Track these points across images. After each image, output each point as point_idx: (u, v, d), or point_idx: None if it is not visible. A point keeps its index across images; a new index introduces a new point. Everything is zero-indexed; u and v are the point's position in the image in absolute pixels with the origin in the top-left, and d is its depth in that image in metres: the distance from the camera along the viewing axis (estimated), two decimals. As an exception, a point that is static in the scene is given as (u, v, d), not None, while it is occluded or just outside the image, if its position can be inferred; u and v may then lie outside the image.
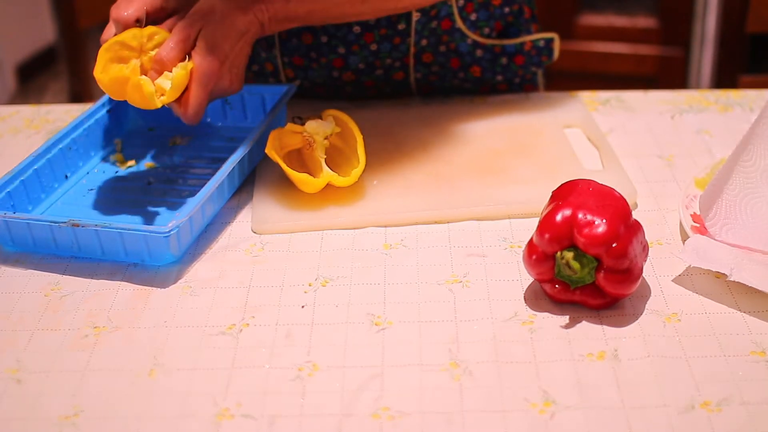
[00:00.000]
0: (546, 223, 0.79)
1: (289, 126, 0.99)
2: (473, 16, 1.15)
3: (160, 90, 0.94)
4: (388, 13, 1.08)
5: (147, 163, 1.07)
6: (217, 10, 0.98)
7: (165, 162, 1.08)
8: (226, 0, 0.98)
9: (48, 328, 0.81)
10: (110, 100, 1.10)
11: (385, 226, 0.94)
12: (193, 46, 0.96)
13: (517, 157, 1.04)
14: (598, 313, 0.80)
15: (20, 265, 0.90)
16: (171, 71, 0.95)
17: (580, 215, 0.78)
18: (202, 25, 0.97)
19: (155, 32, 0.98)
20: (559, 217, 0.78)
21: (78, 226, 0.87)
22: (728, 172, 0.88)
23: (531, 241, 0.80)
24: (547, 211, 0.80)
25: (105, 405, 0.73)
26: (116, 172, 1.06)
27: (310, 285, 0.86)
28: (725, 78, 2.18)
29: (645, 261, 0.80)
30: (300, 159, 1.00)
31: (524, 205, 0.95)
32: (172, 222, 0.86)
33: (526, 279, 0.85)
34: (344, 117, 1.00)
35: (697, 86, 2.32)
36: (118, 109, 1.11)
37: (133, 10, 0.97)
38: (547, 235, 0.78)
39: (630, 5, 2.43)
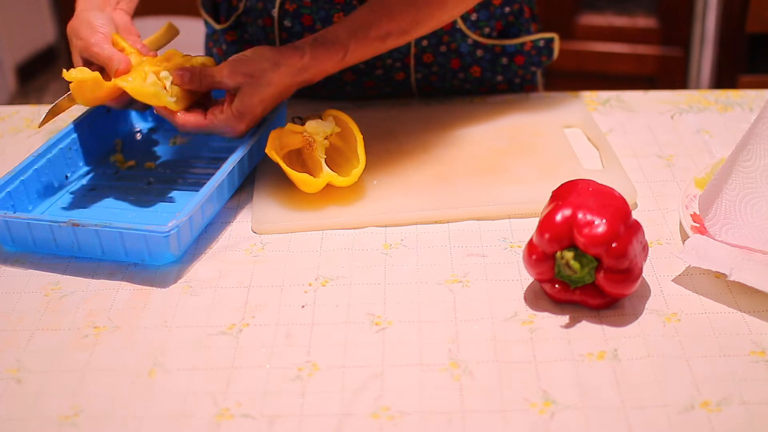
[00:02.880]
0: (546, 223, 0.79)
1: (289, 126, 0.99)
2: (474, 16, 1.15)
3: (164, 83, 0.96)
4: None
5: (147, 163, 1.07)
6: (266, 77, 0.96)
7: (165, 162, 1.08)
8: (280, 65, 0.97)
9: (48, 328, 0.81)
10: None
11: (385, 226, 0.94)
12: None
13: (517, 157, 1.04)
14: (598, 313, 0.80)
15: (20, 264, 0.90)
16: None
17: (580, 215, 0.78)
18: (244, 83, 0.96)
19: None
20: (559, 217, 0.78)
21: (78, 226, 0.87)
22: (728, 172, 0.88)
23: (531, 241, 0.80)
24: (547, 211, 0.80)
25: (105, 405, 0.73)
26: (116, 172, 1.06)
27: (310, 285, 0.86)
28: (725, 78, 2.18)
29: (645, 261, 0.80)
30: (300, 159, 1.00)
31: (524, 205, 0.95)
32: (172, 222, 0.86)
33: (526, 279, 0.85)
34: (344, 117, 1.00)
35: (697, 86, 2.32)
36: (118, 110, 1.11)
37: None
38: (547, 235, 0.78)
39: (630, 5, 2.43)
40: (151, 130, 1.14)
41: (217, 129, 0.97)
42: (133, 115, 1.14)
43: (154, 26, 1.04)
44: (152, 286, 0.86)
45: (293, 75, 0.98)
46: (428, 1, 1.02)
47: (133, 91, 0.93)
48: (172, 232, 0.85)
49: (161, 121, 1.15)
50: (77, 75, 0.93)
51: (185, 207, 0.88)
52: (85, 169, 1.06)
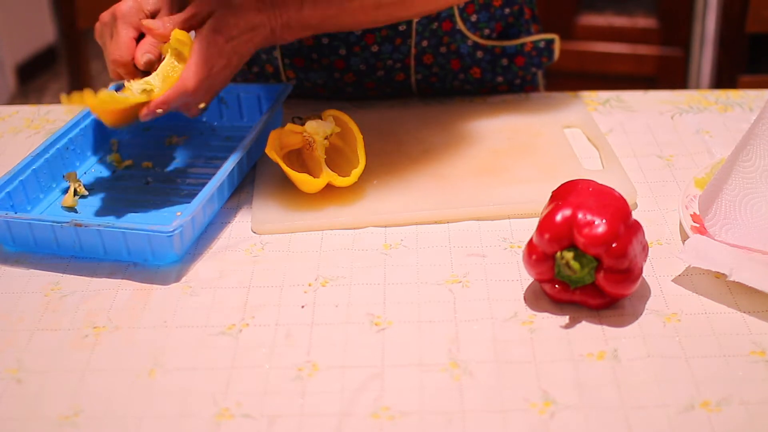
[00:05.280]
0: (546, 223, 0.79)
1: (289, 126, 0.99)
2: (474, 18, 1.15)
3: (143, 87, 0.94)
4: (400, 20, 1.08)
5: (144, 163, 1.07)
6: (235, 1, 0.96)
7: (162, 161, 1.08)
8: None
9: (48, 328, 0.81)
10: None
11: (385, 226, 0.94)
12: (201, 26, 0.95)
13: (517, 157, 1.04)
14: (598, 313, 0.80)
15: (20, 264, 0.90)
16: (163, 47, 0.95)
17: (580, 215, 0.78)
18: (215, 8, 0.96)
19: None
20: (559, 217, 0.78)
21: (81, 226, 0.87)
22: (727, 172, 0.88)
23: (531, 241, 0.80)
24: (547, 211, 0.80)
25: (105, 405, 0.73)
26: (114, 171, 1.06)
27: (310, 285, 0.86)
28: (725, 78, 2.18)
29: (645, 261, 0.80)
30: (300, 159, 1.00)
31: (524, 205, 0.95)
32: (176, 221, 0.86)
33: (526, 279, 0.85)
34: (344, 117, 1.00)
35: (697, 86, 2.32)
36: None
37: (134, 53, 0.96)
38: (547, 235, 0.78)
39: (630, 5, 2.43)
40: (146, 129, 1.14)
41: (204, 53, 0.93)
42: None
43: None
44: (152, 285, 0.86)
45: (258, 3, 0.97)
46: None
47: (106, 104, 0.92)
48: (175, 231, 0.86)
49: (156, 121, 1.14)
50: (76, 100, 0.93)
51: (188, 206, 0.88)
52: (83, 169, 1.06)
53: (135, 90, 0.93)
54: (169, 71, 0.95)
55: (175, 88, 0.92)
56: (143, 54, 0.96)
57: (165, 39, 0.94)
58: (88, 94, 0.91)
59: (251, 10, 0.97)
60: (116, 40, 0.96)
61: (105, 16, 0.99)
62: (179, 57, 0.95)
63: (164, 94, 0.92)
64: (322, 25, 1.02)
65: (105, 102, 0.91)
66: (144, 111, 0.92)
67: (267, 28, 0.98)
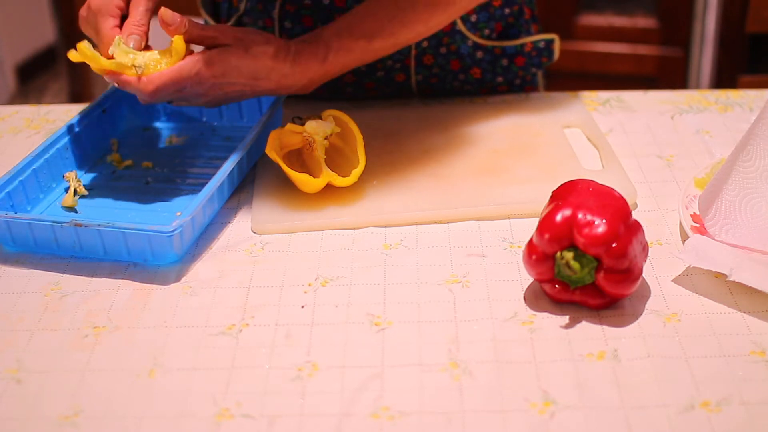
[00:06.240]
0: (546, 223, 0.79)
1: (289, 126, 0.99)
2: (473, 18, 1.15)
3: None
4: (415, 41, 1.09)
5: (144, 163, 1.07)
6: (254, 47, 0.96)
7: (162, 161, 1.08)
8: (270, 43, 0.97)
9: (48, 328, 0.81)
10: (105, 100, 1.10)
11: (385, 226, 0.94)
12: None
13: (517, 157, 1.04)
14: (598, 313, 0.80)
15: (20, 265, 0.90)
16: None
17: (580, 215, 0.78)
18: (231, 44, 0.95)
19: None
20: (558, 217, 0.78)
21: (81, 226, 0.87)
22: (727, 172, 0.88)
23: (531, 241, 0.80)
24: (547, 211, 0.80)
25: (105, 405, 0.73)
26: (113, 171, 1.06)
27: (309, 285, 0.86)
28: (725, 78, 2.18)
29: (645, 261, 0.80)
30: (300, 159, 1.00)
31: (524, 205, 0.95)
32: (176, 221, 0.86)
33: (526, 279, 0.85)
34: (344, 117, 1.00)
35: (697, 86, 2.32)
36: (113, 109, 1.11)
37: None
38: (546, 235, 0.78)
39: (630, 5, 2.43)
40: (146, 129, 1.14)
41: (182, 73, 0.93)
42: (129, 115, 1.14)
43: (153, 25, 1.03)
44: (152, 285, 0.86)
45: (276, 58, 0.97)
46: (413, 4, 1.02)
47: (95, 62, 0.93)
48: (175, 231, 0.86)
49: (156, 121, 1.15)
50: (78, 56, 0.93)
51: (188, 206, 0.88)
52: (83, 169, 1.06)
53: (114, 53, 0.94)
54: (151, 62, 0.94)
55: (138, 82, 0.93)
56: (128, 37, 0.95)
57: (172, 34, 0.94)
58: (81, 47, 0.93)
59: (264, 61, 0.97)
60: (100, 36, 0.96)
61: (82, 11, 0.99)
62: (167, 56, 0.95)
63: (130, 78, 0.93)
64: (342, 71, 1.03)
65: (87, 57, 0.93)
66: (108, 76, 0.94)
67: (281, 77, 0.98)
